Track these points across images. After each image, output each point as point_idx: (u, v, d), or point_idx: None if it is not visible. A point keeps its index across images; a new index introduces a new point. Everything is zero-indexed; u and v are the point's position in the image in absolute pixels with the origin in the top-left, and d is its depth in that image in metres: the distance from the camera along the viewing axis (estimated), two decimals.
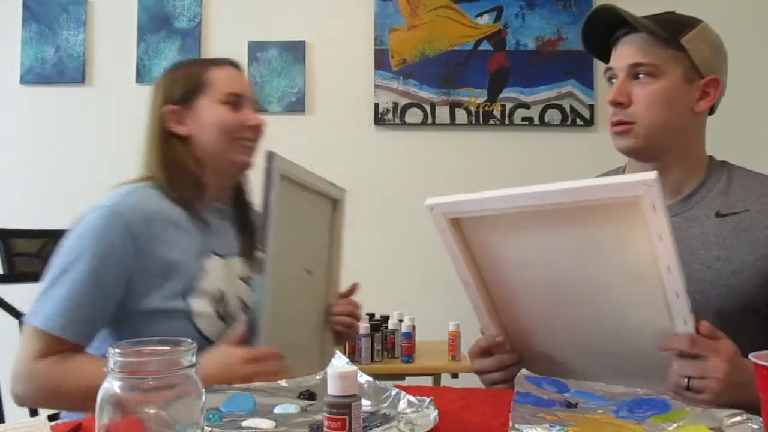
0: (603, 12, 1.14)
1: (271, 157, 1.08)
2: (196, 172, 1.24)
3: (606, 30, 1.18)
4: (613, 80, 1.16)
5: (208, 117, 1.24)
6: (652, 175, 0.82)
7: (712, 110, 1.19)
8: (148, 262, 1.15)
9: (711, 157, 1.20)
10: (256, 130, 1.28)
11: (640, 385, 0.94)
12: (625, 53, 1.13)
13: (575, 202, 0.86)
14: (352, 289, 1.33)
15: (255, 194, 1.40)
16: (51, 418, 1.34)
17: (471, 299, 1.03)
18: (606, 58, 1.19)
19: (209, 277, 1.19)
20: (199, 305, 1.16)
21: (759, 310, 1.09)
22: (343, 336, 1.31)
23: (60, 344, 1.08)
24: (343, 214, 1.32)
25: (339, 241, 1.31)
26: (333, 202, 1.31)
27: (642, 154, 1.16)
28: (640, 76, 1.12)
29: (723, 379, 0.87)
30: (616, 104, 1.13)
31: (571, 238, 0.91)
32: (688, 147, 1.16)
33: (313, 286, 1.24)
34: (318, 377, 1.06)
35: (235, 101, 1.25)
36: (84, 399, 1.12)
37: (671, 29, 1.11)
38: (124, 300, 1.14)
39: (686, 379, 0.89)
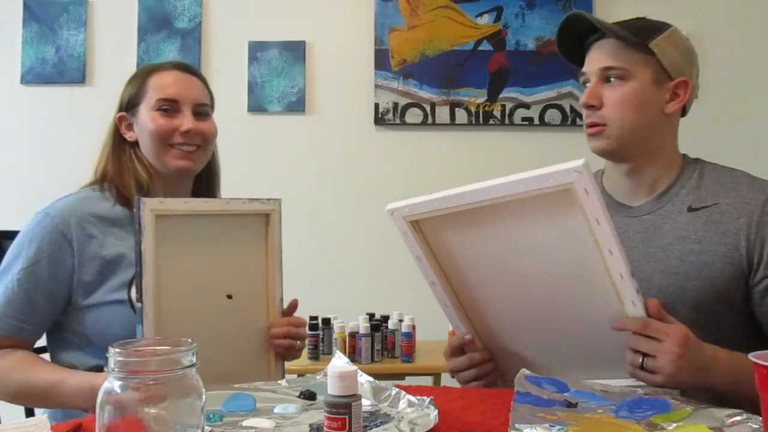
0: (575, 19, 1.19)
1: (138, 202, 1.07)
2: (143, 176, 1.27)
3: (580, 36, 1.22)
4: (587, 84, 1.20)
5: (144, 124, 1.28)
6: (580, 161, 0.87)
7: (684, 112, 1.23)
8: (88, 261, 1.20)
9: (684, 156, 1.23)
10: (189, 135, 1.27)
11: (604, 375, 0.97)
12: (596, 58, 1.18)
13: (514, 194, 0.91)
14: (292, 307, 1.28)
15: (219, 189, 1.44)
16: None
17: (439, 300, 1.07)
18: (581, 63, 1.23)
19: None
20: None
21: (735, 304, 1.12)
22: (288, 356, 1.27)
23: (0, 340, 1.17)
24: (277, 227, 1.25)
25: (276, 255, 1.25)
26: (265, 217, 1.25)
27: (615, 155, 1.19)
28: (611, 79, 1.16)
29: (675, 360, 0.91)
30: (588, 107, 1.17)
31: (519, 231, 0.96)
32: (661, 147, 1.20)
33: (239, 310, 1.19)
34: (318, 377, 1.07)
35: (168, 107, 1.27)
36: (20, 394, 1.15)
37: (641, 34, 1.15)
38: (70, 297, 1.20)
39: (641, 358, 0.93)
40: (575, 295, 0.98)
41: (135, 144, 1.31)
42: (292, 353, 1.27)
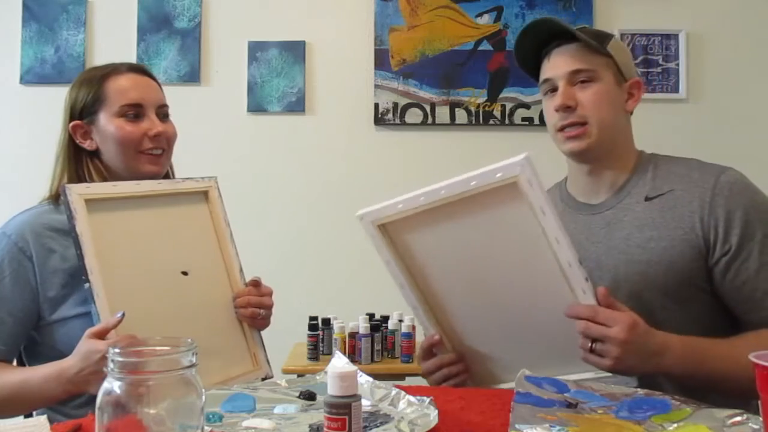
0: (539, 25, 1.22)
1: (63, 189, 1.07)
2: None
3: (536, 46, 1.25)
4: (551, 91, 1.22)
5: (108, 132, 1.23)
6: (523, 155, 0.94)
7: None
8: (50, 276, 1.18)
9: (641, 152, 1.27)
10: (159, 139, 1.25)
11: (566, 368, 1.02)
12: (563, 62, 1.21)
13: (465, 192, 0.98)
14: (256, 281, 1.28)
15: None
16: None
17: (408, 302, 1.12)
18: (532, 74, 1.28)
19: None
20: None
21: (699, 285, 1.14)
22: (255, 326, 1.26)
23: None
24: (218, 202, 1.26)
25: (224, 229, 1.26)
26: (204, 195, 1.26)
27: (592, 154, 1.21)
28: (580, 81, 1.19)
29: (621, 344, 0.95)
30: (566, 108, 1.19)
31: (473, 228, 1.01)
32: (624, 144, 1.24)
33: (199, 286, 1.20)
34: (318, 377, 1.07)
35: (133, 112, 1.23)
36: None
37: (598, 39, 1.20)
38: (40, 312, 1.19)
39: (590, 343, 0.98)
40: (530, 288, 1.02)
41: (93, 153, 1.26)
42: (258, 322, 1.26)
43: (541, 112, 2.85)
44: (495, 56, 2.92)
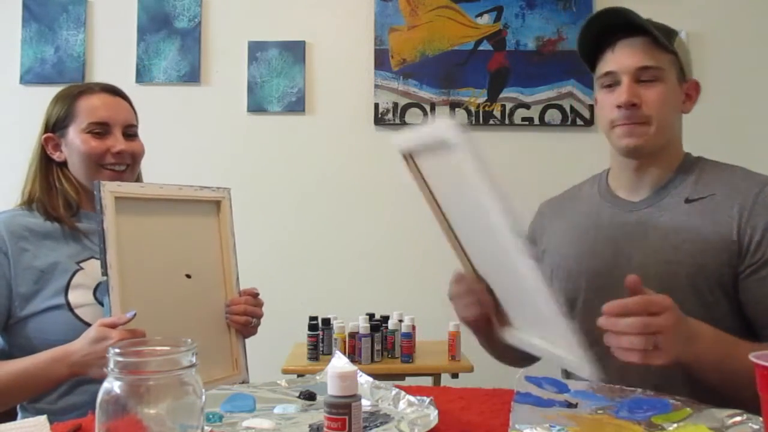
0: (605, 15, 1.17)
1: (97, 185, 1.13)
2: (72, 195, 1.32)
3: (595, 35, 1.20)
4: (610, 84, 1.19)
5: (75, 146, 1.31)
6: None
7: None
8: (23, 272, 1.23)
9: (687, 153, 1.25)
10: (121, 156, 1.32)
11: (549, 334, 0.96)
12: (630, 56, 1.16)
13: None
14: (252, 292, 1.35)
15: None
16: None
17: (444, 233, 1.09)
18: (589, 64, 1.25)
19: (87, 274, 1.26)
20: (79, 297, 1.23)
21: (727, 291, 1.12)
22: (243, 333, 1.32)
23: None
24: (228, 213, 1.33)
25: (229, 240, 1.33)
26: (216, 204, 1.33)
27: (645, 152, 1.19)
28: (644, 78, 1.16)
29: (671, 331, 0.90)
30: (631, 106, 1.15)
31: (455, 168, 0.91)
32: (674, 145, 1.23)
33: (199, 289, 1.26)
34: (318, 377, 1.07)
35: (99, 129, 1.31)
36: None
37: (665, 35, 1.16)
38: (11, 309, 1.23)
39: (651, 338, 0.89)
40: (497, 236, 0.88)
41: (62, 164, 1.34)
42: (249, 330, 1.33)
43: (541, 112, 2.89)
44: (495, 56, 2.92)
